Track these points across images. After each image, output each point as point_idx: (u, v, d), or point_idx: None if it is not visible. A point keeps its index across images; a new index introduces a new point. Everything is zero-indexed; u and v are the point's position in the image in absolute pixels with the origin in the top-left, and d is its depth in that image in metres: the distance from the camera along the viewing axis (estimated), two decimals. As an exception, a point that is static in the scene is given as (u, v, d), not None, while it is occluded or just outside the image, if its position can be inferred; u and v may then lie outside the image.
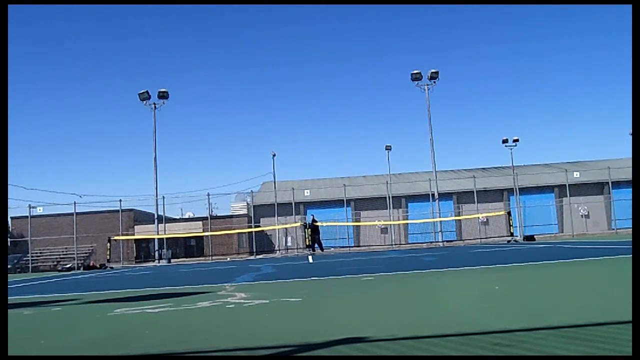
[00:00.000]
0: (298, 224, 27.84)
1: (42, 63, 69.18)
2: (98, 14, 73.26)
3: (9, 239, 29.38)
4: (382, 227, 32.88)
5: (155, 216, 26.40)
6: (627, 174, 26.64)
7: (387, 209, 30.64)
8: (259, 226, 31.69)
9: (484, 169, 40.47)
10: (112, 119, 73.55)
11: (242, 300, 4.40)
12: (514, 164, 32.93)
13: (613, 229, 30.39)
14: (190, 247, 35.12)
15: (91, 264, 23.72)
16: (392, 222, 31.63)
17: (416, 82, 27.00)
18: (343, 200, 29.92)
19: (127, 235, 29.52)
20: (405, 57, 67.77)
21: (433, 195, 27.41)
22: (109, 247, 23.45)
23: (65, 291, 7.48)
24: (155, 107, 26.95)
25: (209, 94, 74.14)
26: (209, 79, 75.80)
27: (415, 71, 26.94)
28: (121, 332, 3.18)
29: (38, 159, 71.26)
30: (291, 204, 29.73)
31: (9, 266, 26.31)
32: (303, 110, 74.91)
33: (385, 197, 30.80)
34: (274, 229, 30.63)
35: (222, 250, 30.01)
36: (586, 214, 33.69)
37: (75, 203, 27.38)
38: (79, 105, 71.16)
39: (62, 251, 31.27)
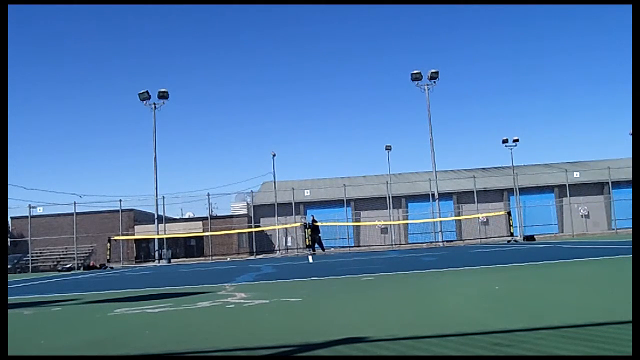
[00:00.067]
0: (298, 224, 27.83)
1: (42, 63, 69.28)
2: (98, 14, 73.34)
3: (9, 239, 29.38)
4: (382, 227, 32.87)
5: (155, 216, 26.40)
6: (627, 174, 26.63)
7: (387, 209, 30.64)
8: (259, 226, 31.69)
9: (484, 169, 40.45)
10: (112, 119, 73.67)
11: (242, 300, 4.40)
12: (514, 164, 32.95)
13: (613, 229, 30.38)
14: (190, 247, 35.12)
15: (91, 264, 23.73)
16: (392, 222, 31.63)
17: (416, 82, 27.01)
18: (343, 200, 29.91)
19: (127, 235, 29.52)
20: (405, 57, 67.87)
21: (433, 195, 27.41)
22: (109, 247, 23.45)
23: (65, 291, 7.48)
24: (155, 107, 26.96)
25: (209, 94, 74.24)
26: (209, 79, 75.90)
27: (415, 71, 26.94)
28: (121, 332, 3.18)
29: (38, 159, 71.34)
30: (291, 204, 29.73)
31: (9, 266, 26.30)
32: (303, 110, 75.02)
33: (385, 197, 30.80)
34: (274, 229, 30.63)
35: (222, 250, 30.00)
36: (586, 214, 33.68)
37: (75, 203, 27.41)
38: (79, 105, 71.27)
39: (62, 251, 31.26)
